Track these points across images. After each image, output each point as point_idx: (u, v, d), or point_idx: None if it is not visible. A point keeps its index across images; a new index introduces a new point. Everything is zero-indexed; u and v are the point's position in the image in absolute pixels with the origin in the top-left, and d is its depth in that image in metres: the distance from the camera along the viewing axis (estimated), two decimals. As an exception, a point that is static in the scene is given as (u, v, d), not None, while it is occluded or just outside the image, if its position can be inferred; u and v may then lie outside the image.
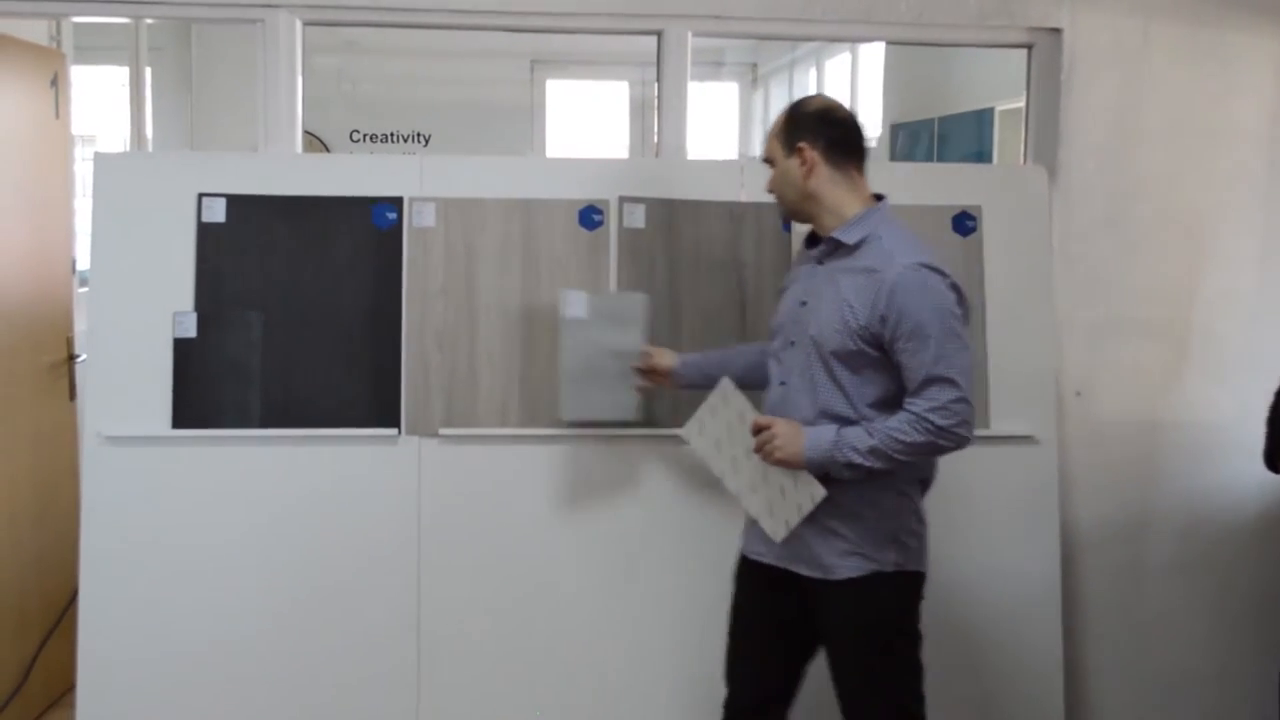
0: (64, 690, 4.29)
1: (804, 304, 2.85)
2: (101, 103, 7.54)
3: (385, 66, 7.66)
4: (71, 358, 4.41)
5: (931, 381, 2.66)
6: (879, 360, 2.74)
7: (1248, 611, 3.95)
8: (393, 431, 3.46)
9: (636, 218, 3.56)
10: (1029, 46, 3.89)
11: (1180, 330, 3.88)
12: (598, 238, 3.56)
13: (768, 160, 2.91)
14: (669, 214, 3.57)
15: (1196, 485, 3.91)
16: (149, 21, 6.02)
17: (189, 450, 3.42)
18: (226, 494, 3.43)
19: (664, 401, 3.46)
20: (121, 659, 3.40)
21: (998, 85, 6.15)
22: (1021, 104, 4.05)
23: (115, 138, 7.45)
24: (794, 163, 2.83)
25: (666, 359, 3.26)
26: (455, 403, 3.49)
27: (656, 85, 3.85)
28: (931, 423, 2.65)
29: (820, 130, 2.83)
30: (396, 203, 3.51)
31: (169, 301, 3.44)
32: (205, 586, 3.42)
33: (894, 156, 7.59)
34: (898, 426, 2.68)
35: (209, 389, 3.43)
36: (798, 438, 2.75)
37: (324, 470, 3.45)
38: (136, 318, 3.43)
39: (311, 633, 3.44)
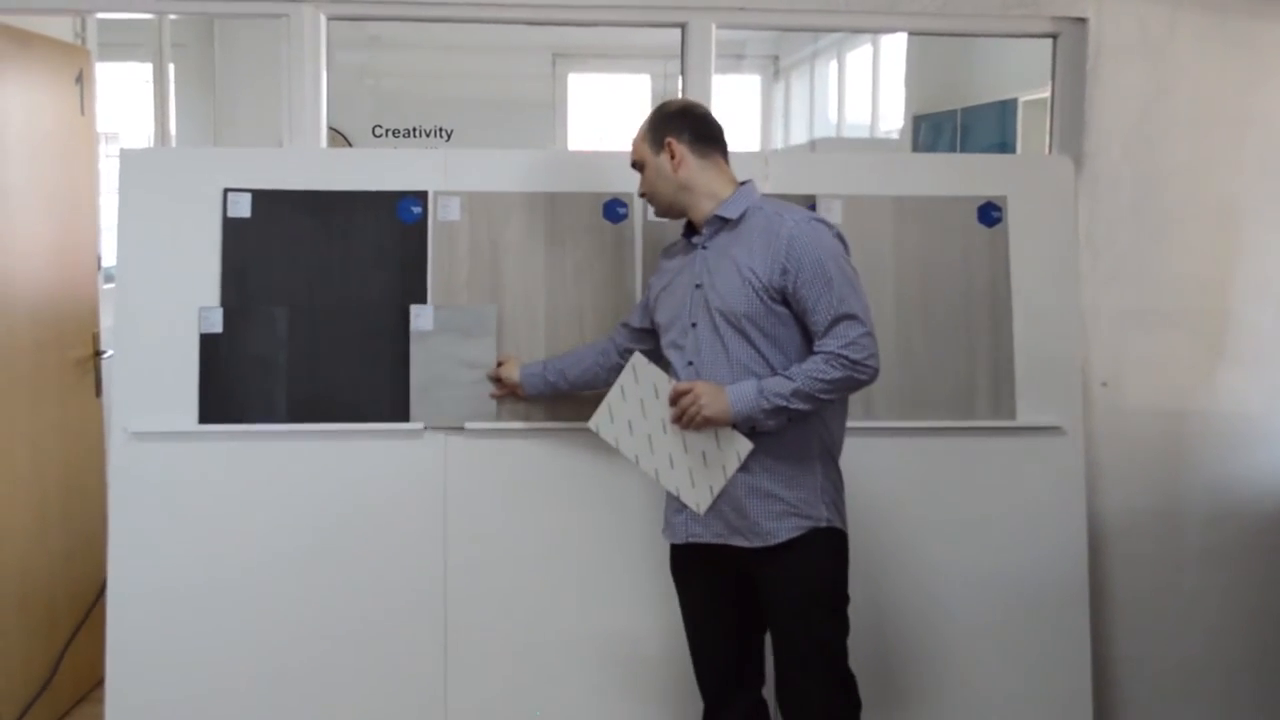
0: (93, 685, 4.32)
1: (698, 286, 2.97)
2: (124, 99, 7.57)
3: (408, 62, 7.65)
4: (97, 354, 4.43)
5: (839, 320, 2.81)
6: (786, 316, 2.88)
7: (1276, 601, 3.92)
8: (418, 426, 3.46)
9: (661, 210, 3.55)
10: (1054, 36, 3.87)
11: (1207, 320, 3.85)
12: (622, 231, 3.56)
13: (637, 164, 3.08)
14: (693, 206, 3.56)
15: (1224, 475, 3.88)
16: (172, 17, 6.05)
17: (216, 445, 3.43)
18: (253, 489, 3.44)
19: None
20: (150, 653, 3.41)
21: (1021, 76, 6.13)
22: (1046, 94, 4.03)
23: (138, 134, 7.48)
24: (664, 158, 3.01)
25: (511, 371, 3.43)
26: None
27: (679, 78, 3.84)
28: (846, 357, 2.79)
29: (682, 124, 3.02)
30: (421, 197, 3.52)
31: (195, 297, 3.45)
32: (233, 581, 3.43)
33: (916, 148, 7.57)
34: (815, 367, 2.81)
35: (235, 384, 3.44)
36: (720, 395, 2.85)
37: (350, 465, 3.46)
38: (163, 313, 3.44)
39: (339, 625, 3.45)
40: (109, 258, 4.77)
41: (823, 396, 2.82)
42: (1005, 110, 6.41)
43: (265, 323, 3.46)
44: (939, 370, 3.60)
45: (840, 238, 2.93)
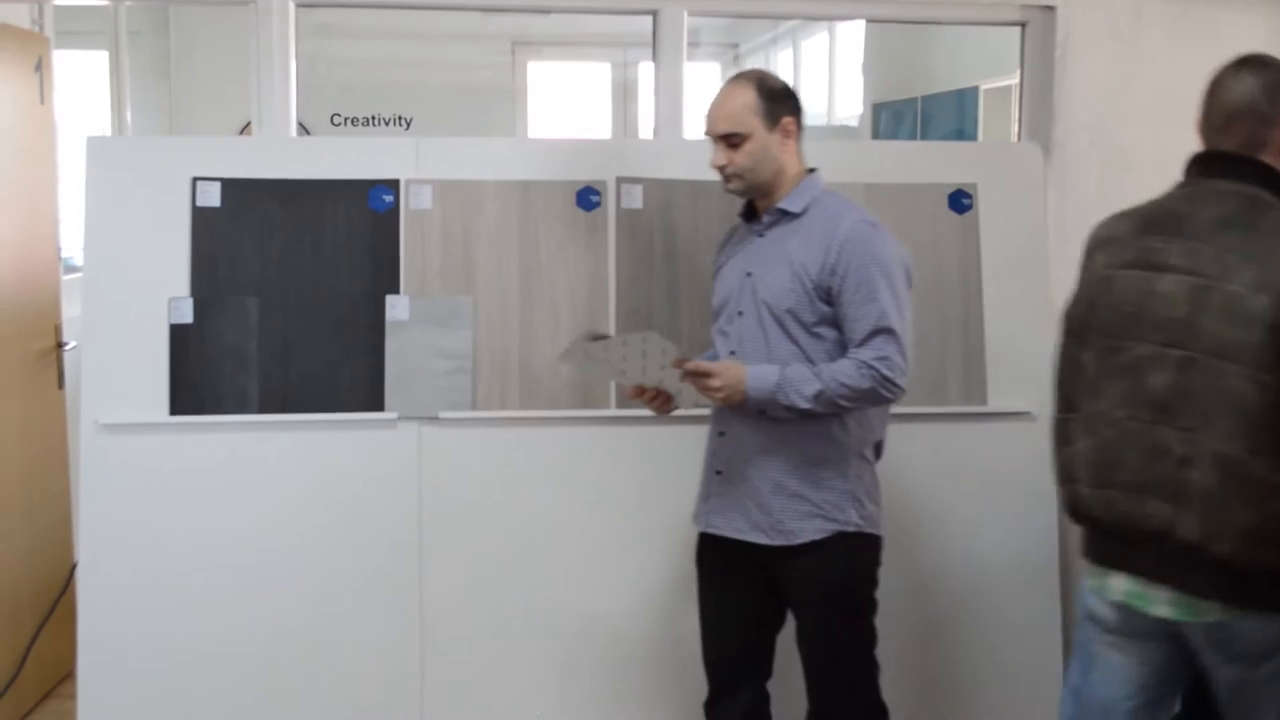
0: (59, 680, 4.27)
1: (749, 274, 2.90)
2: (76, 88, 7.46)
3: (361, 50, 7.60)
4: (59, 345, 4.37)
5: (878, 333, 2.75)
6: (830, 315, 2.81)
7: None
8: (392, 415, 3.44)
9: (634, 198, 3.56)
10: (1023, 24, 3.90)
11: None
12: (595, 218, 3.55)
13: (736, 137, 2.84)
14: (667, 194, 3.57)
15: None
16: (127, 4, 5.97)
17: (187, 437, 3.40)
18: (225, 480, 3.41)
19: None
20: (122, 646, 3.37)
21: (981, 64, 6.16)
22: (1007, 82, 4.05)
23: (90, 123, 7.37)
24: (776, 136, 2.85)
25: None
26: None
27: (642, 66, 3.85)
28: (878, 371, 2.73)
29: (794, 105, 2.90)
30: (393, 185, 3.49)
31: (164, 287, 3.41)
32: (205, 573, 3.39)
33: (877, 136, 7.59)
34: (844, 371, 2.75)
35: (206, 375, 3.41)
36: (740, 384, 2.76)
37: (324, 455, 3.43)
38: (132, 304, 3.40)
39: (313, 615, 3.43)
40: (69, 248, 4.71)
41: (843, 404, 2.76)
42: (966, 98, 6.44)
43: (236, 313, 3.42)
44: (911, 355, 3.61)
45: (903, 257, 2.85)
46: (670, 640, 3.51)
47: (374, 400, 3.45)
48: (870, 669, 2.95)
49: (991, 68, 5.84)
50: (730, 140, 2.85)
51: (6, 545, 4.04)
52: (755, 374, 2.77)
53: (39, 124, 4.29)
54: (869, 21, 6.59)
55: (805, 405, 2.74)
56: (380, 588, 3.45)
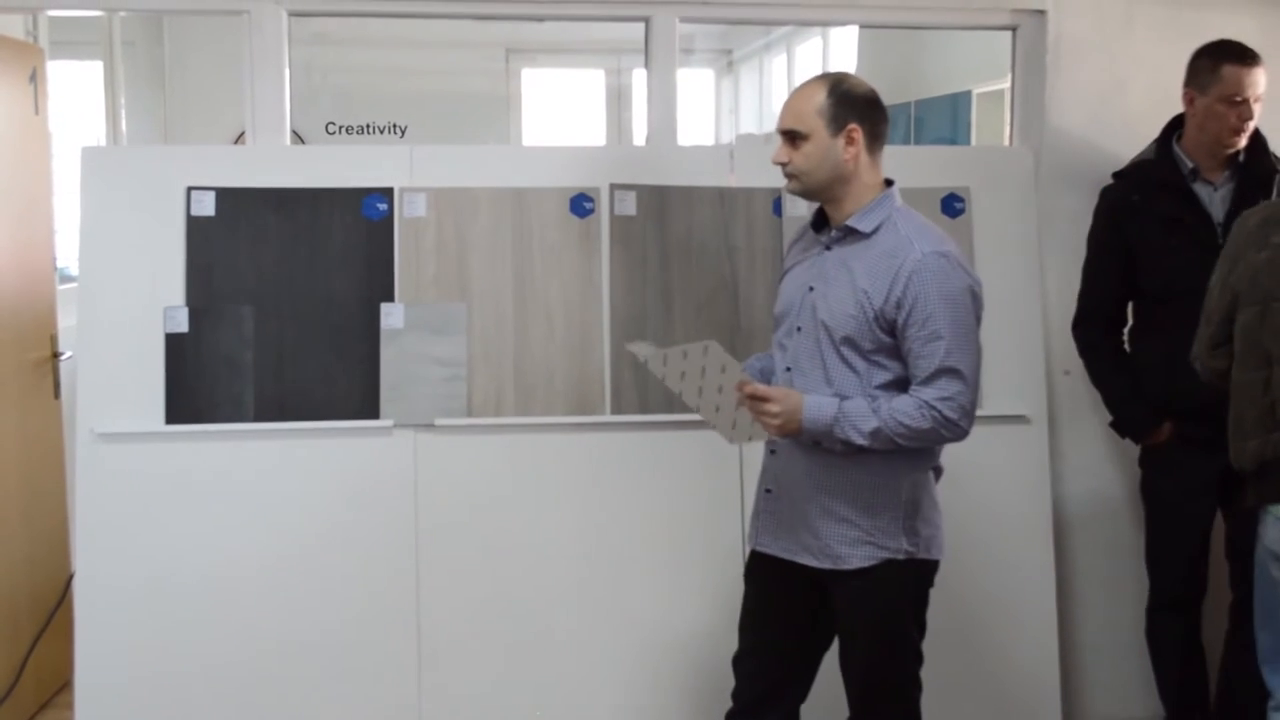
0: (57, 689, 4.27)
1: (811, 289, 2.79)
2: (71, 97, 7.46)
3: (355, 58, 7.60)
4: (55, 355, 4.37)
5: (943, 372, 2.64)
6: (891, 346, 2.71)
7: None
8: (388, 423, 3.45)
9: (628, 205, 3.57)
10: (1013, 29, 3.91)
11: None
12: (589, 225, 3.56)
13: (795, 133, 2.74)
14: (660, 201, 3.58)
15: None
16: (121, 14, 5.97)
17: (183, 446, 3.41)
18: (222, 489, 3.42)
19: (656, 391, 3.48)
20: (119, 654, 3.38)
21: (974, 68, 6.17)
22: (999, 86, 4.07)
23: (85, 133, 7.37)
24: (839, 143, 2.72)
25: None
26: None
27: (635, 73, 3.86)
28: (940, 412, 2.63)
29: (868, 114, 2.76)
30: (387, 193, 3.50)
31: (160, 296, 3.42)
32: (202, 581, 3.40)
33: (870, 140, 7.59)
34: (905, 410, 2.65)
35: (202, 384, 3.42)
36: (797, 411, 2.67)
37: (320, 463, 3.44)
38: (127, 313, 3.41)
39: (310, 624, 3.44)
40: (64, 258, 4.71)
41: (901, 443, 2.66)
42: (959, 102, 6.46)
43: (231, 321, 3.43)
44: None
45: (974, 287, 2.74)
46: (674, 648, 3.54)
47: (369, 408, 3.46)
48: (912, 690, 2.88)
49: (984, 71, 5.86)
50: (792, 137, 2.75)
51: (4, 555, 4.04)
52: (813, 405, 2.68)
53: (33, 135, 4.29)
54: (863, 27, 6.60)
55: (861, 441, 2.65)
56: (377, 595, 3.45)
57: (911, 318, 2.65)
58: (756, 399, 2.69)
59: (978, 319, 2.75)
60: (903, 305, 2.65)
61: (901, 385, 2.73)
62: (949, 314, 2.65)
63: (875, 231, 2.74)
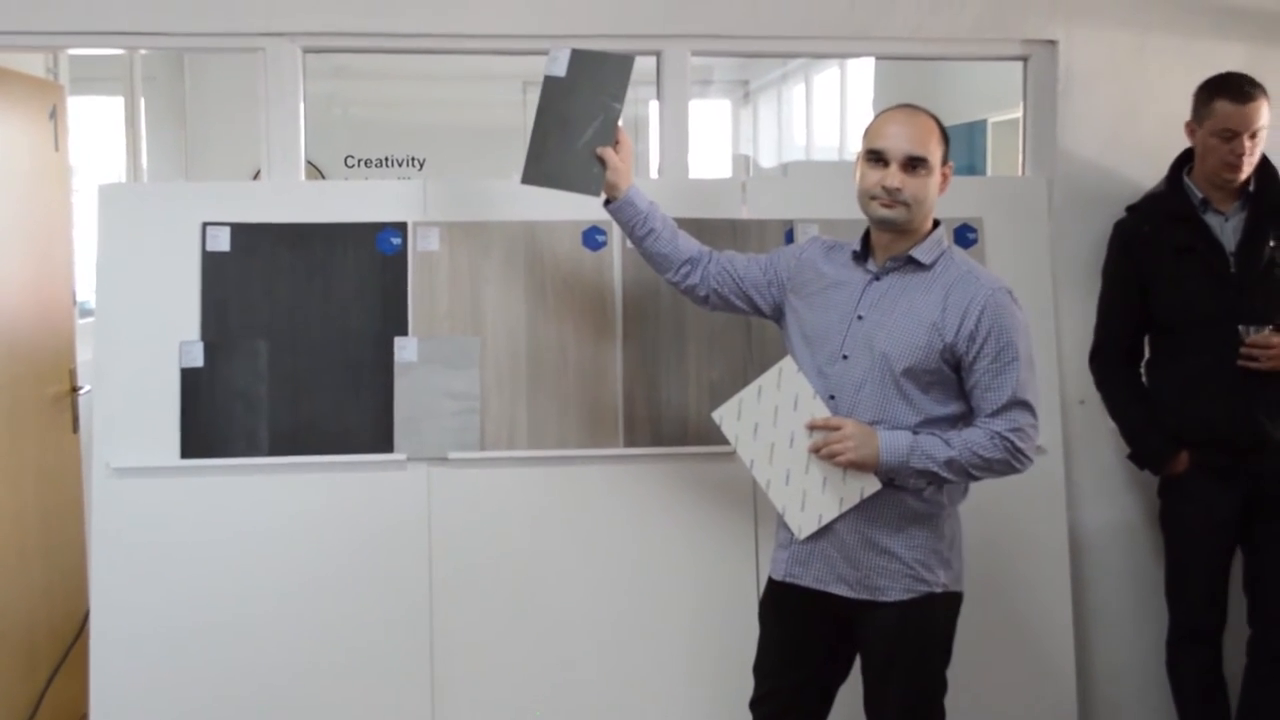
0: (74, 723, 4.29)
1: (860, 318, 2.79)
2: (90, 134, 7.53)
3: (376, 91, 7.68)
4: (74, 389, 4.41)
5: (1015, 404, 2.70)
6: (951, 380, 2.75)
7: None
8: (401, 457, 3.46)
9: (640, 237, 3.57)
10: (1024, 59, 3.92)
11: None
12: (601, 258, 3.57)
13: (920, 160, 2.75)
14: (672, 233, 3.58)
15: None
16: (142, 52, 6.04)
17: (198, 480, 3.42)
18: (237, 523, 3.43)
19: (670, 423, 3.49)
20: (134, 691, 3.39)
21: (990, 97, 6.18)
22: (1015, 115, 4.07)
23: (105, 169, 7.44)
24: (938, 179, 2.80)
25: (627, 157, 3.12)
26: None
27: (649, 105, 3.87)
28: (1012, 444, 2.69)
29: (948, 151, 2.86)
30: (401, 228, 3.52)
31: (175, 331, 3.44)
32: (217, 616, 3.41)
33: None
34: (978, 441, 2.69)
35: (217, 418, 3.43)
36: (871, 440, 2.69)
37: (334, 497, 3.45)
38: (143, 348, 3.43)
39: (324, 659, 3.44)
40: (83, 293, 4.75)
41: (974, 473, 2.71)
42: (975, 131, 6.47)
43: (246, 356, 3.45)
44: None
45: (1025, 318, 2.80)
46: (690, 679, 3.53)
47: (383, 441, 3.47)
48: (936, 718, 2.90)
49: (1000, 100, 5.87)
50: (914, 165, 2.74)
51: (23, 589, 4.06)
52: (887, 435, 2.70)
53: (53, 171, 4.34)
54: (877, 59, 6.61)
55: (937, 470, 2.68)
56: (390, 628, 3.46)
57: (983, 351, 2.70)
58: (829, 427, 2.72)
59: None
60: (975, 338, 2.70)
61: (956, 422, 2.76)
62: (1021, 348, 2.72)
63: (934, 264, 2.78)
